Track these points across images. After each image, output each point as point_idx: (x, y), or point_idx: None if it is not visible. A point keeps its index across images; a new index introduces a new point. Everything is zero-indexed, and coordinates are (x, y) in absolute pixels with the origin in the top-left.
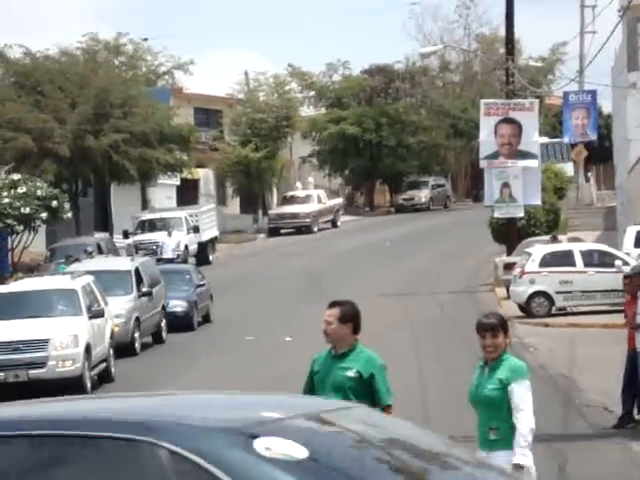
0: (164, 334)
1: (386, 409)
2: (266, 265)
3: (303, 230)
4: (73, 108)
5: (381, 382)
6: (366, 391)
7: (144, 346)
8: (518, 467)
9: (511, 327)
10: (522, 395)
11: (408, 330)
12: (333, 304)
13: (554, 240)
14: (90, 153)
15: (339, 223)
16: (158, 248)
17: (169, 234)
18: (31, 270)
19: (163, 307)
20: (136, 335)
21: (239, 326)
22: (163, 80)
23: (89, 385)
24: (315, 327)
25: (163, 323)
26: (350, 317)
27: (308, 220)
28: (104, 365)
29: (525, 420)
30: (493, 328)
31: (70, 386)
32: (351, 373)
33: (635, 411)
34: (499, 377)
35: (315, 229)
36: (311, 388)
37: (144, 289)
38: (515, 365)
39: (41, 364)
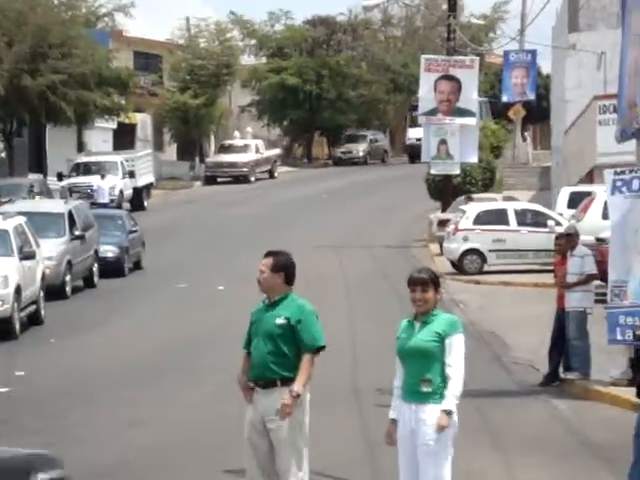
0: (96, 279)
1: (313, 353)
2: (201, 213)
3: (240, 179)
4: (10, 46)
5: (309, 326)
6: (295, 338)
7: (75, 290)
8: (448, 413)
9: (443, 283)
10: (458, 348)
11: (341, 282)
12: (268, 254)
13: (469, 200)
14: (26, 93)
15: (276, 174)
16: (93, 192)
17: (102, 177)
18: None
19: (96, 251)
20: (67, 278)
21: (171, 273)
22: (103, 22)
23: (18, 327)
24: (249, 276)
25: (95, 267)
26: (282, 267)
27: (245, 170)
28: (34, 307)
29: (460, 372)
30: (423, 282)
31: None
32: (280, 320)
33: (561, 369)
34: (435, 330)
35: (252, 179)
36: (249, 339)
37: (77, 232)
38: (451, 319)
39: None
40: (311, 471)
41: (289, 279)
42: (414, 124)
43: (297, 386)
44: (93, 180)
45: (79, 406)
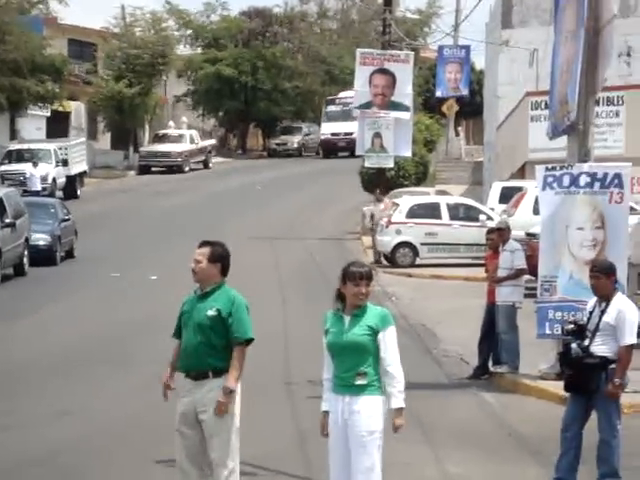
0: (26, 267)
1: (243, 345)
2: (135, 202)
3: (174, 169)
4: None
5: (239, 319)
6: (226, 329)
7: (5, 278)
8: (400, 410)
9: (375, 276)
10: (392, 341)
11: (275, 274)
12: (204, 243)
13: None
14: None
15: (211, 164)
16: (25, 180)
17: (34, 165)
18: None
19: (26, 239)
20: None
21: (104, 262)
22: (37, 9)
23: None
24: (182, 266)
25: (25, 256)
26: (219, 257)
27: (180, 160)
28: None
29: (398, 366)
30: (369, 277)
31: None
32: (211, 312)
33: (490, 363)
34: (368, 324)
35: (186, 169)
36: (179, 329)
37: (7, 220)
38: (382, 312)
39: None
40: (242, 462)
41: (225, 270)
42: (328, 119)
43: (230, 382)
44: (26, 168)
45: (5, 395)
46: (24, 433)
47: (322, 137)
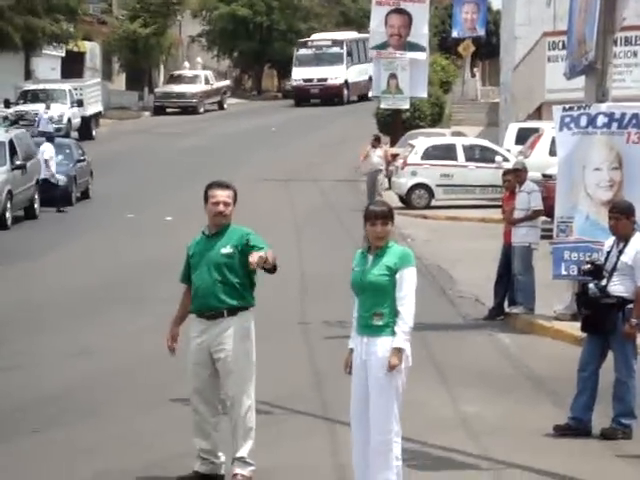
0: (37, 209)
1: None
2: (150, 143)
3: (189, 110)
4: None
5: (257, 240)
6: (240, 266)
7: (16, 220)
8: (398, 350)
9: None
10: (409, 281)
11: (289, 215)
12: (227, 186)
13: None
14: None
15: (226, 105)
16: (35, 121)
17: (47, 107)
18: None
19: (37, 181)
20: (7, 208)
21: (119, 203)
22: None
23: None
24: (196, 207)
25: (36, 198)
26: (236, 199)
27: (194, 100)
28: None
29: (410, 306)
30: (385, 216)
31: None
32: (225, 250)
33: (506, 304)
34: (387, 264)
35: (201, 110)
36: (188, 273)
37: (18, 162)
38: (403, 252)
39: None
40: (258, 400)
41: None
42: (300, 63)
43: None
44: (39, 109)
45: (22, 334)
46: (40, 371)
47: (294, 83)
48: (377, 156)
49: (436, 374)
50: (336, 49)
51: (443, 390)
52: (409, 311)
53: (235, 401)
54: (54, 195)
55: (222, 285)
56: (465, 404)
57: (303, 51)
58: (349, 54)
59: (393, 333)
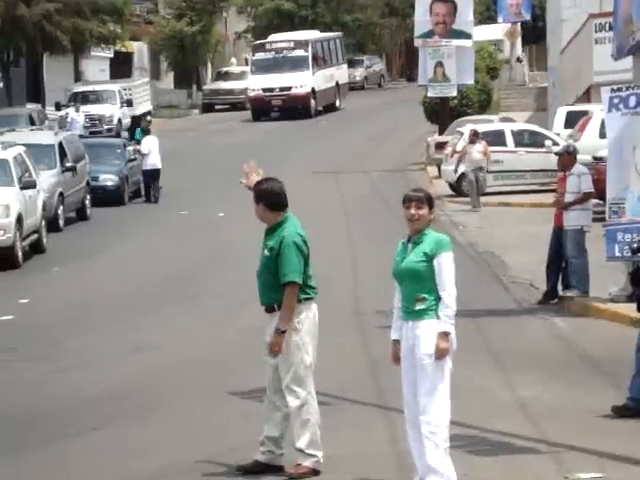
0: (88, 210)
1: (287, 286)
2: (200, 140)
3: (238, 106)
4: None
5: (284, 259)
6: (277, 268)
7: (68, 222)
8: (444, 334)
9: (441, 206)
10: (447, 266)
11: (340, 207)
12: (254, 186)
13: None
14: (22, 22)
15: None
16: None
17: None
18: None
19: (87, 183)
20: (59, 210)
21: (171, 201)
22: None
23: (20, 255)
24: (247, 203)
25: (87, 199)
26: (259, 197)
27: (243, 97)
28: (36, 236)
29: (450, 290)
30: (417, 199)
31: (1, 256)
32: (266, 251)
33: (560, 287)
34: (424, 250)
35: (249, 106)
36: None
37: (68, 164)
38: (438, 238)
39: None
40: (316, 392)
41: (272, 206)
42: (257, 69)
43: (280, 324)
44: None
45: (83, 333)
46: (97, 370)
47: (250, 94)
48: (477, 152)
49: (492, 359)
50: (300, 52)
51: (499, 375)
52: (450, 297)
53: (289, 392)
54: (105, 196)
55: (268, 283)
56: (522, 388)
57: (261, 55)
58: (314, 57)
59: (436, 316)
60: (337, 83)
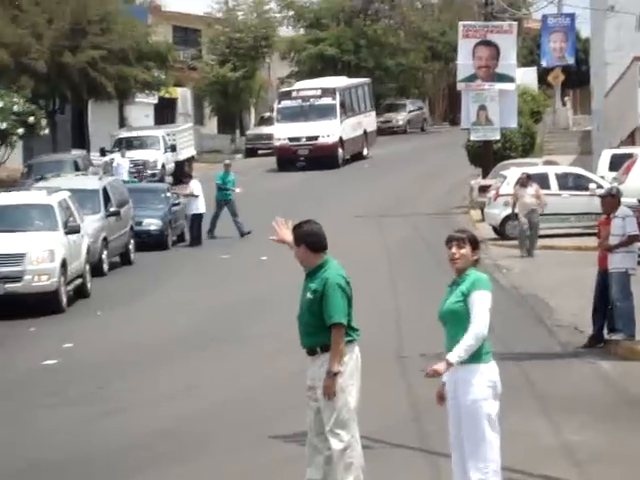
0: (132, 255)
1: (333, 328)
2: (243, 185)
3: None
4: (50, 23)
5: (329, 301)
6: (321, 310)
7: (112, 266)
8: (448, 363)
9: (485, 249)
10: (480, 303)
11: (382, 251)
12: (293, 229)
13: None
14: (67, 69)
15: None
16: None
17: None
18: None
19: (131, 227)
20: (104, 255)
21: (214, 245)
22: None
23: (65, 300)
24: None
25: (131, 244)
26: (301, 238)
27: None
28: (80, 281)
29: (477, 325)
30: (458, 239)
31: (46, 300)
32: (309, 294)
33: (605, 331)
34: (462, 290)
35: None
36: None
37: (112, 209)
38: (477, 277)
39: (17, 278)
40: (360, 436)
41: (313, 248)
42: (283, 117)
43: (331, 366)
44: (136, 155)
45: (128, 376)
46: (144, 411)
47: (276, 143)
48: (529, 195)
49: (536, 403)
50: (327, 100)
51: (544, 419)
52: (474, 333)
53: (332, 436)
54: (149, 240)
55: (310, 326)
56: (568, 432)
57: (287, 103)
58: (342, 105)
59: (477, 359)
60: (365, 131)
